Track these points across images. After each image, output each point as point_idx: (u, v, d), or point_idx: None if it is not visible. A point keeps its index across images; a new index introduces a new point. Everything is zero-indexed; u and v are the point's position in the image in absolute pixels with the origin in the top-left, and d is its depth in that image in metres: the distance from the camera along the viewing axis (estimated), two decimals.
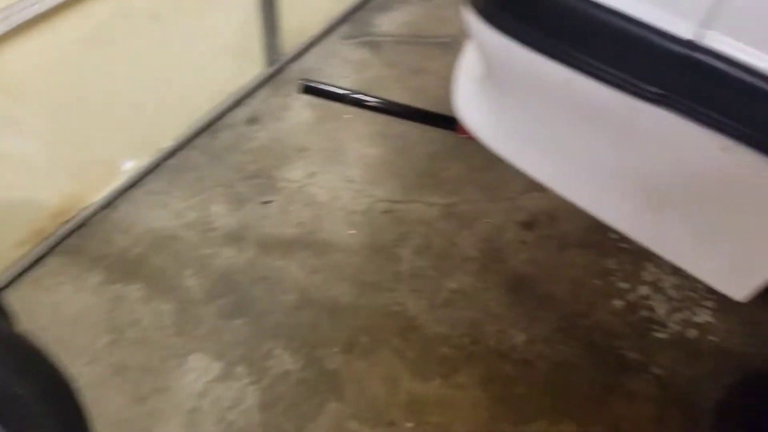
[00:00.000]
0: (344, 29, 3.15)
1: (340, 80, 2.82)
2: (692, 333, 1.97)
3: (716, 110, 1.03)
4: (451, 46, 2.99)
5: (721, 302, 2.02)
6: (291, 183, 2.39)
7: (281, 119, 2.65)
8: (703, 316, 2.01)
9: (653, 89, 1.07)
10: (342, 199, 2.34)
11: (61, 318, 1.91)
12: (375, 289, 2.06)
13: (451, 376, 1.84)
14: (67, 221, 2.12)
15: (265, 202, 2.32)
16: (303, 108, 2.68)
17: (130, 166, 2.29)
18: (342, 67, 2.93)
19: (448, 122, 1.84)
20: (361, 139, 2.58)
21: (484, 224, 2.25)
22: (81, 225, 2.16)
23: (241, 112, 2.64)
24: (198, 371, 1.82)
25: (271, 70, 2.79)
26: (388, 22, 3.22)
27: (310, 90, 1.96)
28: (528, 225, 2.26)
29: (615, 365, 1.89)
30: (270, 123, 2.62)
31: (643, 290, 2.07)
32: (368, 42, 3.10)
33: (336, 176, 2.42)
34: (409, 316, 1.98)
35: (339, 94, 2.00)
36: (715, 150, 1.07)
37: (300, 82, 1.96)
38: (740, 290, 1.21)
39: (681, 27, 1.01)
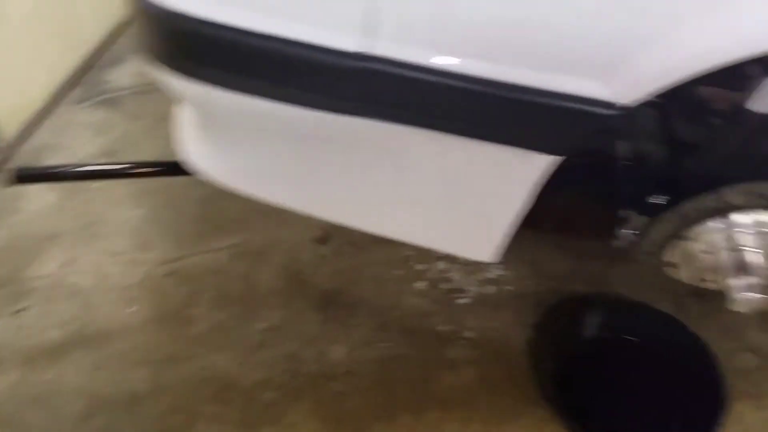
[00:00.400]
0: (76, 94, 2.92)
1: (83, 149, 2.60)
2: (490, 289, 2.12)
3: (404, 108, 1.11)
4: None
5: (506, 253, 2.20)
6: (45, 279, 2.13)
7: (18, 211, 2.35)
8: (495, 271, 2.18)
9: (342, 102, 1.12)
10: (112, 278, 2.13)
11: None
12: (173, 362, 1.89)
13: (280, 420, 1.76)
14: None
15: (18, 311, 2.04)
16: (41, 191, 2.38)
17: None
18: (82, 134, 2.69)
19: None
20: (120, 203, 2.38)
21: (279, 252, 2.22)
22: None
23: None
24: None
25: None
26: (122, 76, 3.05)
27: (23, 178, 1.73)
28: (323, 239, 2.28)
29: (432, 342, 1.96)
30: (5, 219, 2.32)
31: (440, 265, 2.19)
32: (105, 100, 2.90)
33: (99, 254, 2.20)
34: (220, 375, 1.86)
35: (59, 172, 1.80)
36: (419, 143, 1.15)
37: (4, 174, 1.72)
38: (485, 253, 1.32)
39: (344, 42, 1.06)
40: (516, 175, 1.15)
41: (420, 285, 2.14)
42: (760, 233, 1.27)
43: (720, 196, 1.24)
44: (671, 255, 1.37)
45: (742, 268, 1.25)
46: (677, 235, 1.32)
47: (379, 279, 2.14)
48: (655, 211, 1.31)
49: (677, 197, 1.29)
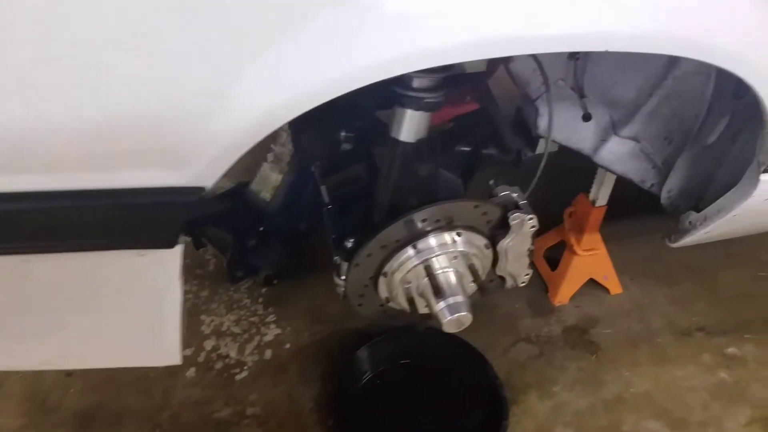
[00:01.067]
0: None
1: None
2: (269, 353, 1.97)
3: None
4: None
5: (279, 310, 2.07)
6: None
7: None
8: (271, 332, 2.03)
9: None
10: None
11: None
12: None
13: None
14: None
15: None
16: None
17: None
18: None
19: None
20: None
21: (16, 381, 1.89)
22: None
23: None
24: None
25: None
26: None
27: None
28: None
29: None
30: None
31: (209, 344, 1.99)
32: None
33: None
34: None
35: None
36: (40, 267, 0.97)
37: None
38: (172, 356, 1.19)
39: None
40: (155, 272, 1.03)
41: (190, 373, 1.91)
42: (446, 254, 1.27)
43: (397, 226, 1.23)
44: (382, 291, 1.32)
45: (440, 290, 1.23)
46: (379, 272, 1.30)
47: (142, 380, 1.88)
48: (349, 255, 1.25)
49: (359, 236, 1.26)
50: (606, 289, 2.12)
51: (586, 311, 2.07)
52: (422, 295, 1.28)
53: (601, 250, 2.02)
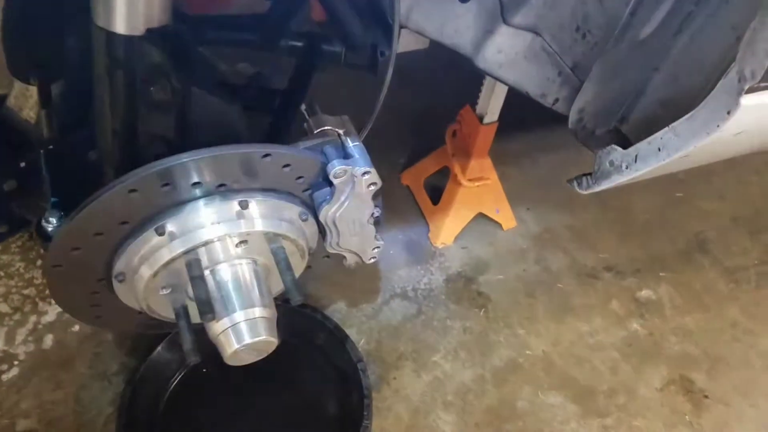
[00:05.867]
0: None
1: None
2: (49, 340, 1.43)
3: None
4: None
5: None
6: None
7: None
8: (53, 309, 1.48)
9: None
10: None
11: None
12: None
13: None
14: None
15: None
16: None
17: None
18: None
19: None
20: None
21: None
22: None
23: None
24: None
25: None
26: None
27: None
28: None
29: None
30: None
31: None
32: None
33: None
34: None
35: None
36: None
37: None
38: None
39: None
40: None
41: None
42: (223, 239, 0.79)
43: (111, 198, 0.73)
44: (127, 300, 0.81)
45: (209, 304, 0.74)
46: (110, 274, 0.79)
47: None
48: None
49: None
50: (498, 224, 1.70)
51: (474, 253, 1.66)
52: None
53: (492, 178, 1.58)
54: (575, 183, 1.02)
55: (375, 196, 0.84)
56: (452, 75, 1.34)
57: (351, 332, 1.44)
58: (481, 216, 1.67)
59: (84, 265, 0.77)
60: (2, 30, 0.89)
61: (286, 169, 0.77)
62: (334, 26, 1.14)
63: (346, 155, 0.79)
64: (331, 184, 0.79)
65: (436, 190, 1.68)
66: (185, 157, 0.69)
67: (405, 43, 1.21)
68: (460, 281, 1.60)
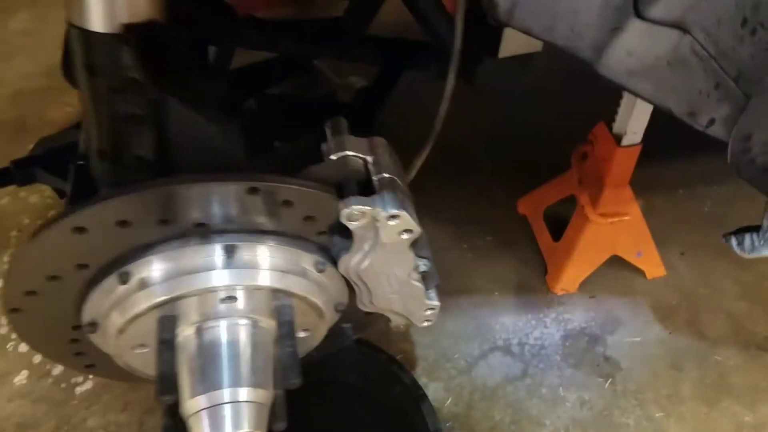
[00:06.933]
0: None
1: None
2: None
3: None
4: None
5: None
6: None
7: None
8: None
9: None
10: None
11: None
12: None
13: None
14: None
15: None
16: None
17: None
18: None
19: None
20: None
21: None
22: None
23: None
24: None
25: None
26: None
27: None
28: None
29: None
30: None
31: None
32: None
33: None
34: None
35: None
36: None
37: None
38: None
39: None
40: None
41: (20, 379, 1.37)
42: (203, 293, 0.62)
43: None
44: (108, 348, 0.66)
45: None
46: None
47: None
48: None
49: None
50: (641, 271, 1.36)
51: (603, 306, 1.36)
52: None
53: (632, 213, 1.26)
54: (733, 241, 0.71)
55: (420, 247, 0.62)
56: (583, 83, 1.06)
57: (436, 388, 1.21)
58: (617, 260, 1.36)
59: (49, 312, 0.64)
60: None
61: (288, 208, 0.58)
62: (423, 29, 0.94)
63: (368, 191, 0.57)
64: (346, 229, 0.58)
65: (560, 223, 1.39)
66: (132, 190, 0.53)
67: (511, 45, 0.98)
68: (582, 340, 1.31)
